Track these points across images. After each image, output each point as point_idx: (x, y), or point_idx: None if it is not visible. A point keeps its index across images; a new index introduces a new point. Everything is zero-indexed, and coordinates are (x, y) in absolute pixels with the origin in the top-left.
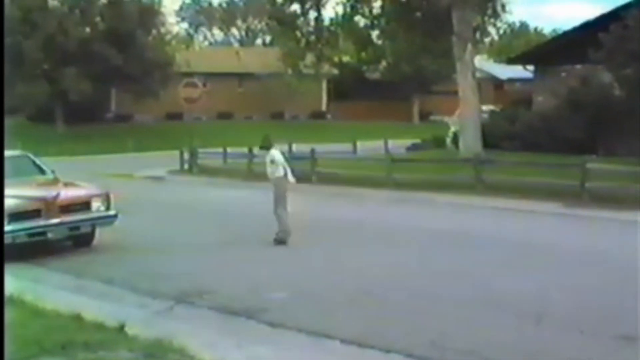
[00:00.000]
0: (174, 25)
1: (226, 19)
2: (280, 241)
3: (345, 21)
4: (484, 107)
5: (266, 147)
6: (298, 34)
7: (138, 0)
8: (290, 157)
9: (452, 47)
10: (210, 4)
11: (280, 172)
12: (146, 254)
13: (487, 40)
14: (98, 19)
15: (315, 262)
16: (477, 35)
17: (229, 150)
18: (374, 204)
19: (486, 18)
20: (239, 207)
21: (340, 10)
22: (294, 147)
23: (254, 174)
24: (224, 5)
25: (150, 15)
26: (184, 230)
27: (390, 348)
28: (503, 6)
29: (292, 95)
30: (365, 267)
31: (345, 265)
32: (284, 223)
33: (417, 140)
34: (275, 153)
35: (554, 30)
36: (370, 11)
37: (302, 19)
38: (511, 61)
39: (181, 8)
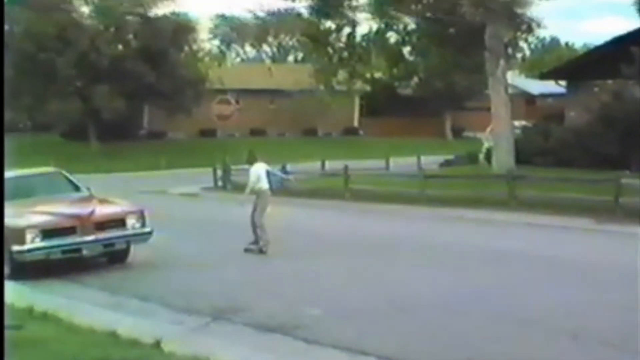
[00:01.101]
0: (206, 42)
1: (259, 35)
2: (259, 250)
3: (377, 37)
4: (516, 123)
5: (251, 162)
6: (330, 50)
7: (172, 17)
8: (322, 174)
9: (485, 62)
10: (240, 20)
11: (265, 185)
12: (181, 271)
13: (519, 55)
14: (131, 36)
15: (348, 278)
16: (510, 50)
17: None
18: (407, 221)
19: (519, 33)
20: (273, 224)
21: (374, 26)
22: (327, 164)
23: (288, 191)
24: (257, 21)
25: (184, 33)
26: (218, 247)
27: None
28: (538, 22)
29: (325, 111)
30: (399, 283)
31: (379, 282)
32: (264, 233)
33: (450, 156)
34: (260, 167)
35: (585, 45)
36: (405, 27)
37: (334, 35)
38: (543, 76)
39: (216, 26)
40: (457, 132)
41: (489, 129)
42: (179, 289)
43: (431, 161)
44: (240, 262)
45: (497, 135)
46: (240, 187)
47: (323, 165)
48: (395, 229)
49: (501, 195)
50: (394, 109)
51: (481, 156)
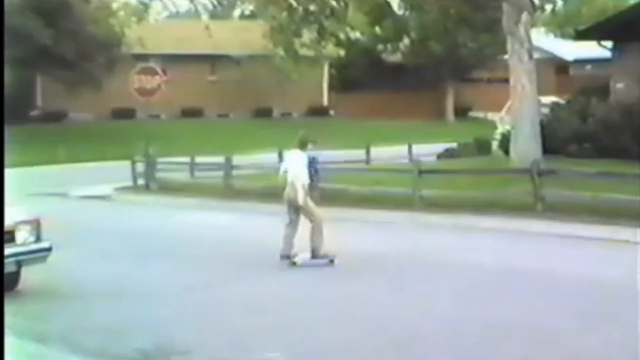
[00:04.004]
0: None
1: None
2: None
3: None
4: (543, 99)
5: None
6: (292, 2)
7: None
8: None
9: (501, 17)
10: None
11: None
12: (91, 302)
13: (547, 7)
14: None
15: (314, 311)
16: (535, 0)
17: (197, 159)
18: (396, 230)
19: None
20: (214, 236)
21: None
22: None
23: (234, 191)
24: None
25: None
26: (140, 269)
27: None
28: None
29: (283, 84)
30: (385, 317)
31: (356, 314)
32: None
33: (453, 145)
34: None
35: None
36: None
37: None
38: (580, 35)
39: None
40: (461, 112)
41: (505, 108)
42: (89, 325)
43: (427, 151)
44: (169, 289)
45: (518, 115)
46: (168, 187)
47: (280, 156)
48: (380, 242)
49: (524, 196)
50: (376, 82)
51: (495, 144)
